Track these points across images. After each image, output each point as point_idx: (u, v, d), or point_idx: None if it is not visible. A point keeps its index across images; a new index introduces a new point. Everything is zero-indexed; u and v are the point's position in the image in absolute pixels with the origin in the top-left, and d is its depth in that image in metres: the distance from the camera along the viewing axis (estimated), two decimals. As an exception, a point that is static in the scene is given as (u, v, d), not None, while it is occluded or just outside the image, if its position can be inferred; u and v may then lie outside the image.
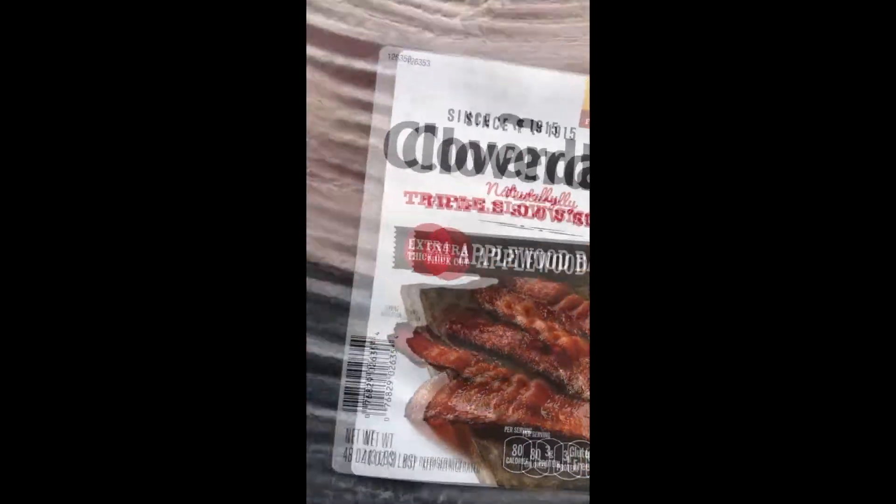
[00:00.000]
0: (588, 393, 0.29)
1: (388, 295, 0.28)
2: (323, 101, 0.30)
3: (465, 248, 0.29)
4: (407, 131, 0.29)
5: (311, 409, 0.28)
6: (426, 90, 0.30)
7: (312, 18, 0.30)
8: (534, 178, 0.30)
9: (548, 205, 0.30)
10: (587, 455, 0.28)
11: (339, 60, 0.30)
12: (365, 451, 0.27)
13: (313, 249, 0.29)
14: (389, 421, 0.28)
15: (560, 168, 0.30)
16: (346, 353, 0.28)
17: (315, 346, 0.28)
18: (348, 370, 0.28)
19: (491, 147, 0.30)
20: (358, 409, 0.28)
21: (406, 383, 0.28)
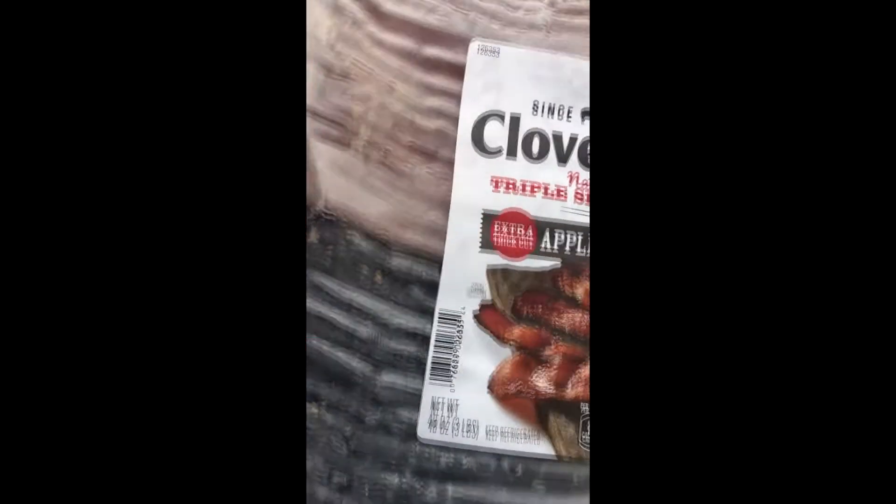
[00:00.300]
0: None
1: (473, 275, 0.30)
2: (410, 88, 0.31)
3: (547, 233, 0.30)
4: (494, 121, 0.31)
5: (398, 379, 0.29)
6: (511, 82, 0.31)
7: (401, 10, 0.31)
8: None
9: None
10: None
11: (427, 51, 0.31)
12: (449, 420, 0.29)
13: (401, 230, 0.30)
14: (473, 394, 0.29)
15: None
16: (434, 328, 0.29)
17: (402, 320, 0.29)
18: (436, 344, 0.29)
19: (573, 139, 0.31)
20: (444, 380, 0.29)
21: (488, 359, 0.29)
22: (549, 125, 0.31)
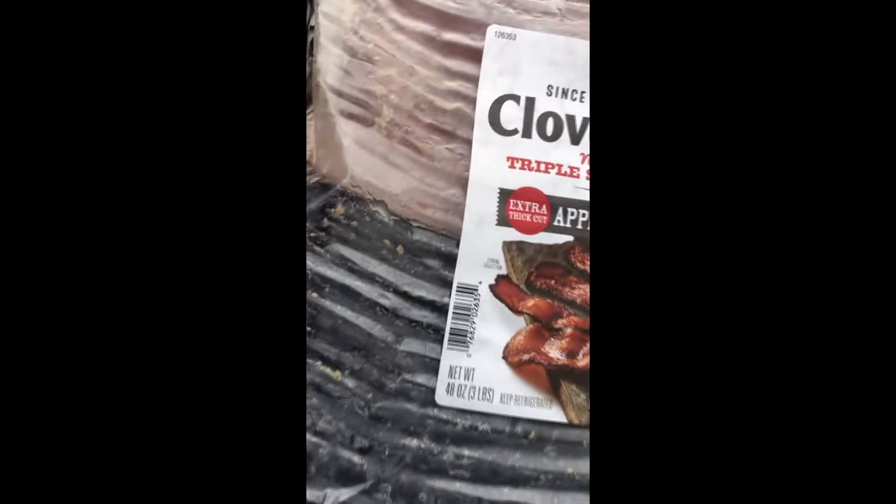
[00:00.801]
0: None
1: (489, 249, 0.31)
2: (430, 71, 0.32)
3: (560, 210, 0.32)
4: (510, 103, 0.32)
5: (418, 347, 0.31)
6: (527, 66, 0.32)
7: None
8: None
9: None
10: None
11: (447, 36, 0.33)
12: (465, 387, 0.30)
13: (421, 206, 0.32)
14: (488, 361, 0.30)
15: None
16: (453, 299, 0.31)
17: (422, 291, 0.31)
18: (454, 313, 0.31)
19: (586, 120, 0.32)
20: (461, 348, 0.30)
21: (503, 329, 0.31)
22: (563, 107, 0.32)
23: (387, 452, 0.30)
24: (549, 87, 0.32)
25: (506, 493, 0.30)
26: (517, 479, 0.30)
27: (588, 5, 0.33)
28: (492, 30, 0.32)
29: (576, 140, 0.32)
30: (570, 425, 0.30)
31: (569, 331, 0.31)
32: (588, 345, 0.31)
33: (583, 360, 0.31)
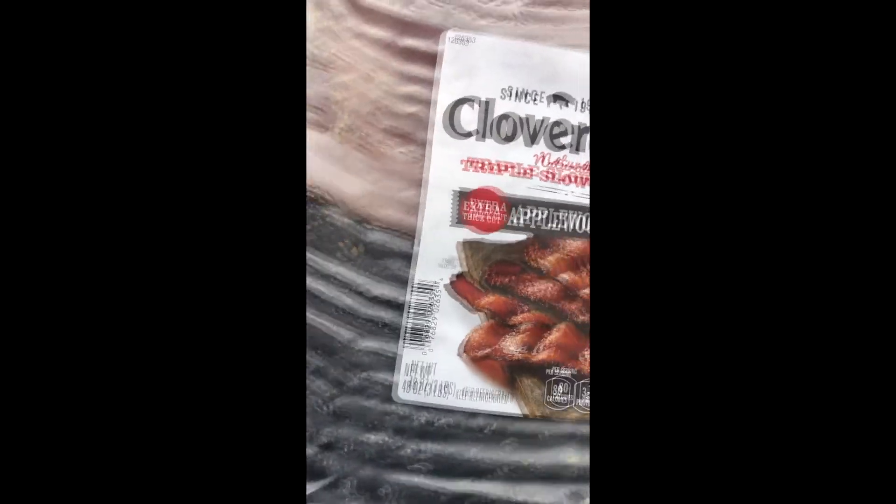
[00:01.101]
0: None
1: (446, 248, 0.32)
2: (388, 77, 0.33)
3: (516, 210, 0.32)
4: (466, 105, 0.33)
5: (377, 345, 0.31)
6: (483, 69, 0.33)
7: (379, 4, 0.34)
8: (579, 150, 0.33)
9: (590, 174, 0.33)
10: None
11: (404, 41, 0.34)
12: (424, 383, 0.31)
13: (378, 207, 0.32)
14: (446, 357, 0.31)
15: (603, 142, 0.33)
16: (412, 297, 0.31)
17: (380, 291, 0.32)
18: (413, 311, 0.31)
19: (541, 122, 0.33)
20: (419, 345, 0.31)
21: (460, 326, 0.31)
22: (520, 109, 0.33)
23: (348, 448, 0.31)
24: (506, 89, 0.33)
25: (465, 485, 0.30)
26: (476, 472, 0.30)
27: (546, 10, 0.34)
28: (449, 34, 0.33)
29: (532, 141, 0.33)
30: (526, 418, 0.31)
31: (525, 326, 0.32)
32: (544, 339, 0.32)
33: (539, 355, 0.31)
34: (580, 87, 0.33)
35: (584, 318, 0.32)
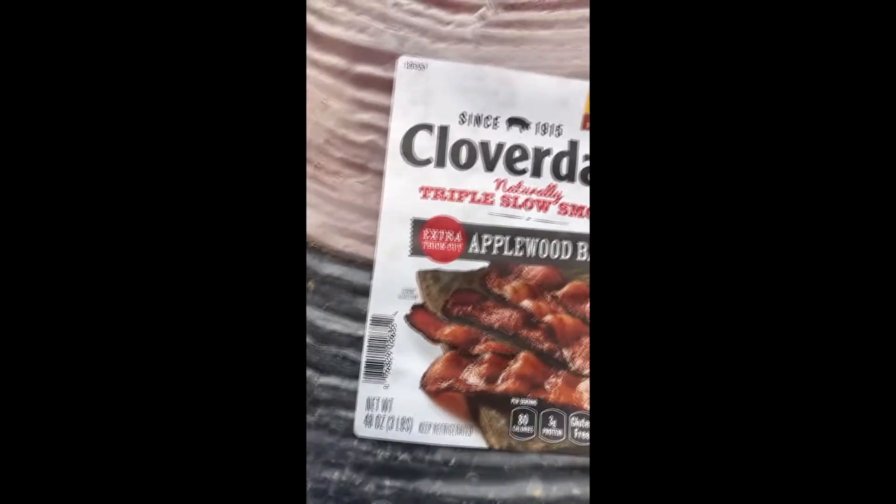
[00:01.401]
0: (588, 370, 0.31)
1: (404, 279, 0.31)
2: (342, 104, 0.33)
3: (475, 237, 0.32)
4: (423, 132, 0.32)
5: (335, 381, 0.31)
6: (439, 95, 0.33)
7: (333, 31, 0.33)
8: (539, 174, 0.33)
9: (552, 199, 0.33)
10: (589, 424, 0.31)
11: (359, 68, 0.33)
12: (384, 418, 0.30)
13: (336, 238, 0.32)
14: (405, 391, 0.31)
15: (563, 166, 0.33)
16: (367, 331, 0.31)
17: (339, 325, 0.31)
18: (370, 345, 0.31)
19: (499, 147, 0.33)
20: (378, 379, 0.31)
21: (421, 358, 0.31)
22: (477, 134, 0.33)
23: (310, 486, 0.30)
24: (462, 114, 0.33)
25: (428, 521, 0.30)
26: (439, 507, 0.30)
27: (504, 31, 0.34)
28: (402, 61, 0.33)
29: (490, 167, 0.33)
30: (490, 450, 0.31)
31: (487, 356, 0.31)
32: (507, 369, 0.31)
33: (502, 385, 0.31)
34: (538, 110, 0.33)
35: (546, 345, 0.32)
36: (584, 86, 0.33)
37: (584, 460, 0.31)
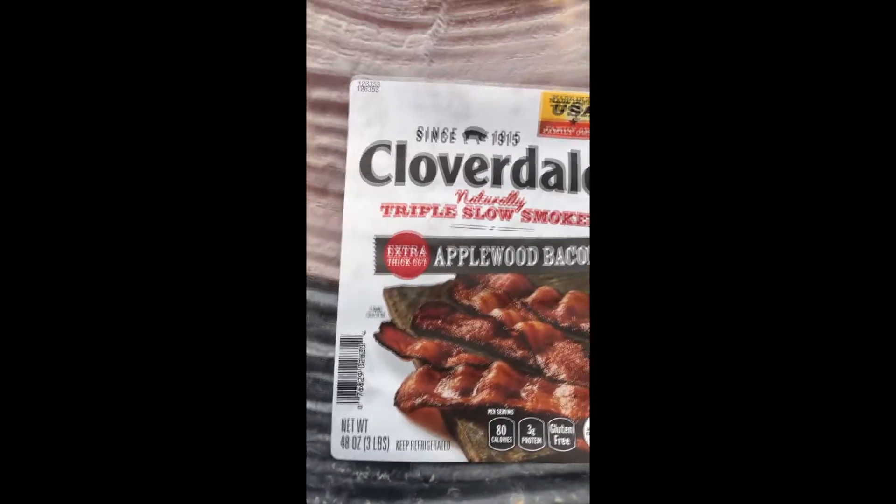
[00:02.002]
0: (563, 375, 0.31)
1: (371, 298, 0.31)
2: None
3: (440, 251, 0.32)
4: (381, 151, 0.33)
5: (311, 405, 0.31)
6: (394, 114, 0.33)
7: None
8: (500, 183, 0.33)
9: (514, 207, 0.33)
10: (568, 430, 0.31)
11: (315, 94, 0.34)
12: (360, 438, 0.30)
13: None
14: (379, 410, 0.30)
15: (523, 173, 0.33)
16: (338, 352, 0.31)
17: (311, 349, 0.31)
18: (340, 367, 0.31)
19: (458, 159, 0.33)
20: (351, 400, 0.31)
21: (393, 376, 0.31)
22: (435, 148, 0.33)
23: (291, 513, 0.30)
24: (419, 130, 0.33)
25: (412, 540, 0.30)
26: (423, 525, 0.30)
27: (456, 46, 0.34)
28: (354, 83, 0.33)
29: (450, 179, 0.33)
30: (470, 463, 0.30)
31: (460, 368, 0.31)
32: (481, 380, 0.31)
33: (477, 397, 0.31)
34: (493, 120, 0.33)
35: (520, 353, 0.32)
36: (536, 93, 0.33)
37: (566, 467, 0.30)
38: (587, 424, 0.31)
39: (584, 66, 0.34)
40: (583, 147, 0.33)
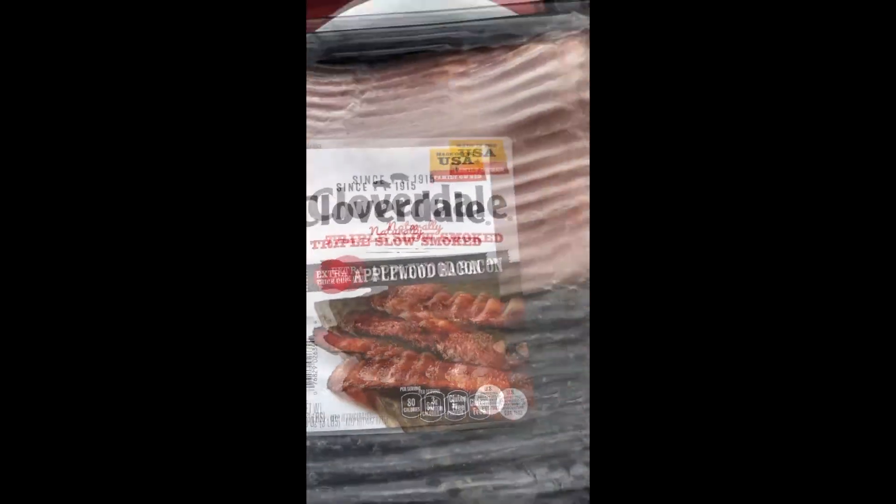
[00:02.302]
0: (458, 358, 0.41)
1: (318, 308, 0.41)
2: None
3: (360, 270, 0.42)
4: (310, 202, 0.44)
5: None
6: (332, 168, 0.44)
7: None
8: (403, 218, 0.44)
9: (414, 235, 0.43)
10: (462, 399, 0.40)
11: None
12: (315, 416, 0.39)
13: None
14: (324, 394, 0.40)
15: (421, 210, 0.44)
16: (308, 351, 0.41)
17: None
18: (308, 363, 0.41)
19: (369, 203, 0.44)
20: (312, 389, 0.40)
21: (326, 367, 0.41)
22: (368, 191, 0.44)
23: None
24: (338, 184, 0.44)
25: (347, 490, 0.38)
26: (354, 479, 0.39)
27: (367, 119, 0.46)
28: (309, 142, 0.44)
29: (364, 218, 0.43)
30: (387, 429, 0.40)
31: (377, 358, 0.41)
32: (394, 366, 0.41)
33: (391, 379, 0.40)
34: (411, 166, 0.44)
35: (424, 343, 0.41)
36: (427, 150, 0.44)
37: (458, 427, 0.39)
38: (478, 393, 0.40)
39: (465, 128, 0.45)
40: (464, 188, 0.44)
